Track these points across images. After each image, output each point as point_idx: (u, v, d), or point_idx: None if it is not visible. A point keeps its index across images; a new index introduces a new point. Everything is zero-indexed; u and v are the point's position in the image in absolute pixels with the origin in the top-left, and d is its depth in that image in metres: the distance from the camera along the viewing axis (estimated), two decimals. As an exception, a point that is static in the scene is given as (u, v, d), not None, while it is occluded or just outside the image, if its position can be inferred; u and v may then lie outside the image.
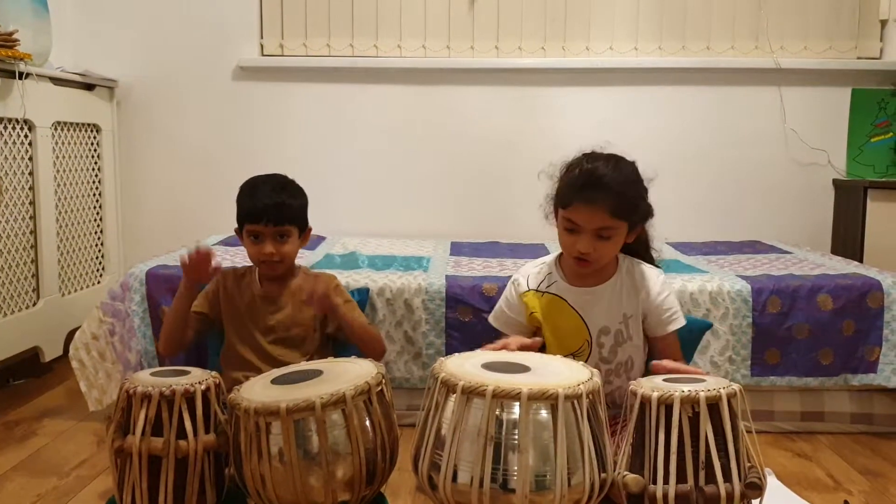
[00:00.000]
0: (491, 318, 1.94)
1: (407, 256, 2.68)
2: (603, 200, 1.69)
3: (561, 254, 1.88)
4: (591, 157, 1.76)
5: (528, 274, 1.90)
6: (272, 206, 1.90)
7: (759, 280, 2.29)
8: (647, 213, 1.81)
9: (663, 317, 1.81)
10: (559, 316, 1.83)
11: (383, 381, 1.51)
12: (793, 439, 2.21)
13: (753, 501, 1.40)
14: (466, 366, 1.42)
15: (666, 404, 1.37)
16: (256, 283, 1.98)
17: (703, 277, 2.31)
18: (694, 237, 3.24)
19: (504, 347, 1.66)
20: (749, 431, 1.41)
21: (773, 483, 1.85)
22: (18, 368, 2.65)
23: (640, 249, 1.90)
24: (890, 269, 2.40)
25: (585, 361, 1.76)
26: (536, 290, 1.87)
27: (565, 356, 1.78)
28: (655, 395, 1.38)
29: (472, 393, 1.31)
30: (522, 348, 1.66)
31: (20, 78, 2.52)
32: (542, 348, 1.83)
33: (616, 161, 1.75)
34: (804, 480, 1.92)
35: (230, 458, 1.51)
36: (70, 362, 2.28)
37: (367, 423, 1.44)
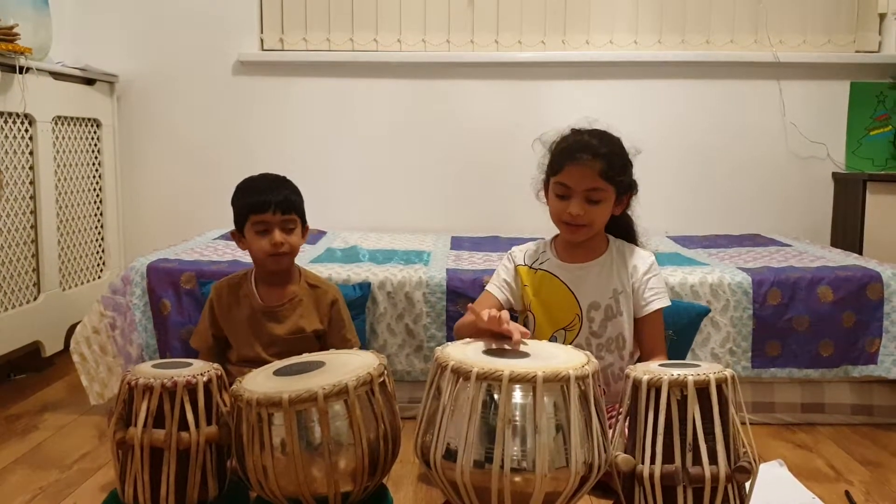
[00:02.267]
0: (487, 287, 2.00)
1: (408, 250, 2.68)
2: (593, 161, 1.81)
3: (556, 236, 1.99)
4: (579, 130, 1.89)
5: (524, 250, 2.01)
6: (279, 196, 1.91)
7: (760, 272, 2.29)
8: (632, 184, 1.91)
9: (646, 295, 1.90)
10: (550, 291, 1.93)
11: (385, 371, 1.52)
12: (793, 431, 2.22)
13: (746, 485, 1.43)
14: (469, 353, 1.43)
15: (655, 387, 1.42)
16: (255, 297, 1.96)
17: (703, 270, 2.31)
18: (694, 230, 3.24)
19: (478, 319, 1.58)
20: (743, 423, 1.42)
21: (783, 474, 1.87)
22: (19, 363, 2.65)
23: (627, 234, 2.00)
24: (889, 261, 2.41)
25: (576, 336, 1.90)
26: (529, 267, 1.97)
27: (557, 330, 1.91)
28: (646, 378, 1.43)
29: (486, 378, 1.33)
30: (493, 319, 1.57)
31: (20, 72, 2.52)
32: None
33: (603, 132, 1.88)
34: (805, 471, 1.92)
35: (232, 449, 1.51)
36: (71, 356, 2.28)
37: (370, 413, 1.45)
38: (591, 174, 1.81)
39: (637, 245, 1.99)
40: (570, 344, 1.89)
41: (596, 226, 1.89)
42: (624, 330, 1.91)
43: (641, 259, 1.94)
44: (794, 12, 3.30)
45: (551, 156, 1.91)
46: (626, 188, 1.89)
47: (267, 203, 1.89)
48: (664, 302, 1.91)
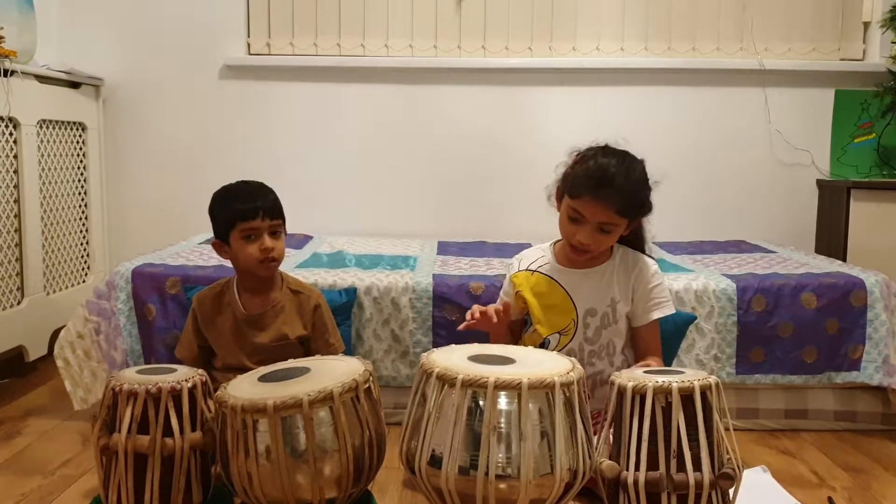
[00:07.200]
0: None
1: (394, 256, 2.68)
2: (612, 199, 1.76)
3: (556, 241, 1.99)
4: (606, 152, 1.83)
5: (522, 257, 2.02)
6: (268, 202, 1.91)
7: (744, 279, 2.30)
8: (648, 211, 1.88)
9: (648, 304, 1.89)
10: (549, 294, 1.93)
11: (371, 378, 1.52)
12: (777, 437, 2.23)
13: (730, 491, 1.44)
14: (454, 359, 1.43)
15: (640, 394, 1.43)
16: (238, 305, 1.95)
17: (688, 276, 2.32)
18: (679, 237, 3.25)
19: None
20: (727, 429, 1.43)
21: (767, 480, 1.88)
22: (3, 368, 2.63)
23: (636, 242, 1.97)
24: (873, 268, 2.42)
25: (570, 340, 1.90)
26: (528, 270, 1.97)
27: (552, 334, 1.91)
28: (630, 384, 1.45)
29: (471, 385, 1.33)
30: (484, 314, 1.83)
31: (5, 75, 2.50)
32: (524, 327, 1.98)
33: (629, 161, 1.82)
34: (788, 477, 1.93)
35: (217, 455, 1.51)
36: (55, 361, 2.27)
37: (355, 420, 1.45)
38: (607, 212, 1.78)
39: (643, 251, 1.97)
40: (563, 348, 1.90)
41: (601, 250, 1.88)
42: (616, 338, 1.92)
43: (644, 268, 1.92)
44: (779, 20, 3.32)
45: (572, 173, 1.84)
46: (641, 217, 1.89)
47: (255, 210, 1.88)
48: (665, 311, 1.91)
